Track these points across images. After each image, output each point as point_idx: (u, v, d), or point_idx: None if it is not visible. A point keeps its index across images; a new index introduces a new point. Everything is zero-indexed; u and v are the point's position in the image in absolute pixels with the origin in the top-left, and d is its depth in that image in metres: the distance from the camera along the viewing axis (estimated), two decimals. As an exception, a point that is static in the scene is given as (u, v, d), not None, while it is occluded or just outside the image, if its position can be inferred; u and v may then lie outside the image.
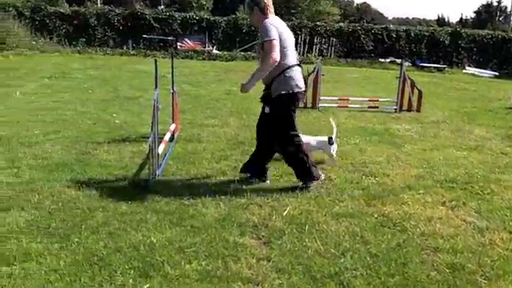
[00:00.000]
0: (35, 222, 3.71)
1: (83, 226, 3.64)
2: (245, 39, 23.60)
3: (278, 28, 4.38)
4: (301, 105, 9.16)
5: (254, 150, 4.96)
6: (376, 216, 4.06)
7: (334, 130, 5.50)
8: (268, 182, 4.80)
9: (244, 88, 4.48)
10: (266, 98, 4.58)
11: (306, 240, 3.55)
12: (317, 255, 3.34)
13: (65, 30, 22.25)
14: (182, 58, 20.15)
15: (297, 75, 4.51)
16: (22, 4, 22.53)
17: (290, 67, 4.43)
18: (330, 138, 5.46)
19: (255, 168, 4.84)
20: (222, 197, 4.35)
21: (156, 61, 5.21)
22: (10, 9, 21.00)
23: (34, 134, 6.43)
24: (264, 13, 4.46)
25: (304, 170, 4.63)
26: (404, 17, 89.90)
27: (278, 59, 4.29)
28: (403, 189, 4.80)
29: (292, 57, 4.50)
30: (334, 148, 5.49)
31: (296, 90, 4.49)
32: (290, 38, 4.51)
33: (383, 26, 26.65)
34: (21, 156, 5.40)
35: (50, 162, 5.21)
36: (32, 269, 3.05)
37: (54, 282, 2.92)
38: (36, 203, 4.06)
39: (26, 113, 7.79)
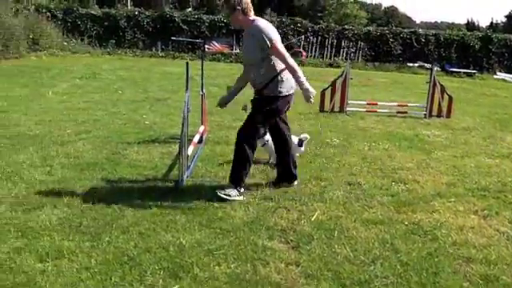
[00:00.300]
0: (67, 219, 3.78)
1: (114, 225, 3.69)
2: (272, 42, 23.60)
3: (270, 26, 4.35)
4: (328, 108, 9.21)
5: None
6: (406, 223, 4.00)
7: (307, 136, 5.50)
8: (296, 183, 4.79)
9: (312, 93, 4.30)
10: (253, 102, 4.58)
11: (335, 246, 3.53)
12: (346, 262, 3.31)
13: (95, 31, 22.63)
14: (210, 61, 20.26)
15: (290, 76, 4.43)
16: (54, 6, 23.07)
17: (284, 69, 4.37)
18: (301, 140, 5.46)
19: (283, 174, 4.82)
20: (251, 200, 4.36)
21: (188, 63, 5.27)
22: (44, 10, 21.47)
23: (66, 133, 6.57)
24: (246, 13, 4.37)
25: (238, 173, 4.42)
26: (432, 21, 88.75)
27: (291, 59, 4.31)
28: (434, 196, 4.72)
29: None
30: (302, 150, 5.54)
31: (291, 91, 4.46)
32: (278, 36, 4.42)
33: (412, 29, 26.31)
34: (53, 154, 5.52)
35: (82, 161, 5.30)
36: (64, 266, 3.10)
37: (85, 280, 2.96)
38: (68, 201, 4.14)
39: (58, 112, 7.96)
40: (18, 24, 17.52)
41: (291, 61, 4.30)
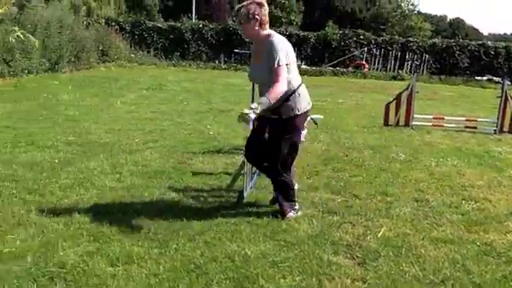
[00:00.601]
0: (136, 226, 3.88)
1: (181, 233, 3.75)
2: (334, 54, 23.51)
3: (285, 44, 4.04)
4: (393, 122, 9.00)
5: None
6: (478, 244, 3.82)
7: (308, 118, 5.27)
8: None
9: (249, 118, 3.77)
10: (269, 121, 4.13)
11: (403, 264, 3.42)
12: (415, 281, 3.20)
13: (161, 43, 23.46)
14: (271, 72, 20.39)
15: (306, 92, 4.20)
16: (123, 19, 24.17)
17: (300, 85, 4.12)
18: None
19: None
20: (315, 213, 4.32)
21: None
22: (113, 23, 22.51)
23: (134, 141, 6.80)
24: (262, 26, 4.07)
25: (288, 197, 4.24)
26: (501, 33, 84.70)
27: (285, 88, 3.93)
28: (507, 216, 4.48)
29: (297, 72, 4.17)
30: (303, 133, 5.19)
31: (308, 107, 4.20)
32: (293, 52, 4.14)
33: (480, 42, 25.34)
34: (122, 162, 5.72)
35: (149, 170, 5.46)
36: (134, 271, 3.18)
37: (154, 285, 3.03)
38: (137, 208, 4.26)
39: (127, 122, 8.28)
40: (89, 36, 18.49)
41: (282, 88, 3.87)
